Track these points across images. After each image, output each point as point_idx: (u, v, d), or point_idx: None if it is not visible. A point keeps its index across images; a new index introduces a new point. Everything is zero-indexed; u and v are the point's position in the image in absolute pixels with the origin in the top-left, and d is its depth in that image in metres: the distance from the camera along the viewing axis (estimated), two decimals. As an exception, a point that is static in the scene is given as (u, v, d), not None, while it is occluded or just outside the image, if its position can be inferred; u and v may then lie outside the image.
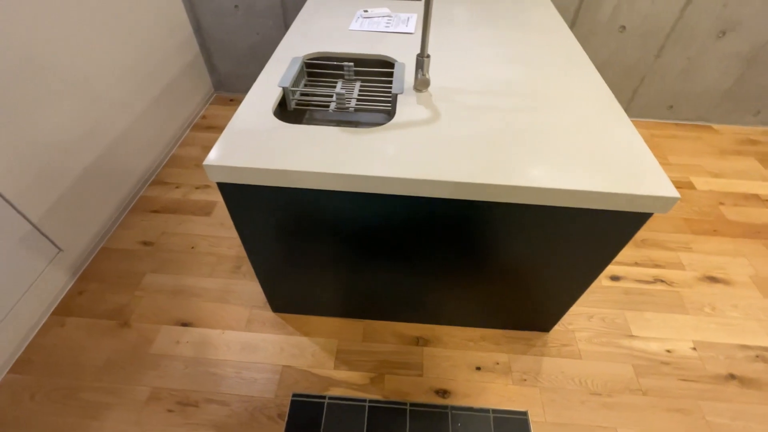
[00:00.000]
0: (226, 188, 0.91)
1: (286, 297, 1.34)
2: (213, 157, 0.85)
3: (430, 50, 1.27)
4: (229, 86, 2.49)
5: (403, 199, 0.89)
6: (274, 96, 1.05)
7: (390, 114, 1.31)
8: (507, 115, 0.99)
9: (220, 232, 1.71)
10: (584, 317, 1.43)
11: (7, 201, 1.25)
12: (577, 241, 0.96)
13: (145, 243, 1.66)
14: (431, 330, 1.40)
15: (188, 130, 2.24)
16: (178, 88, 2.13)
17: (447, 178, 0.81)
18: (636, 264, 1.61)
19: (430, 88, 1.08)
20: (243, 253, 1.64)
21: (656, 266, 1.60)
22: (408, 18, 1.45)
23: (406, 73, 1.15)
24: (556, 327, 1.40)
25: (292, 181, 0.86)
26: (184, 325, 1.41)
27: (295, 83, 1.17)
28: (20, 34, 1.25)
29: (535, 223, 0.91)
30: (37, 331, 1.38)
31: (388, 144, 0.89)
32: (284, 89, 1.09)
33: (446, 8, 1.55)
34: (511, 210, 0.88)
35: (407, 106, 1.02)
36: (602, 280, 1.55)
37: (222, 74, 2.42)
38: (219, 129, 2.26)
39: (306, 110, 1.30)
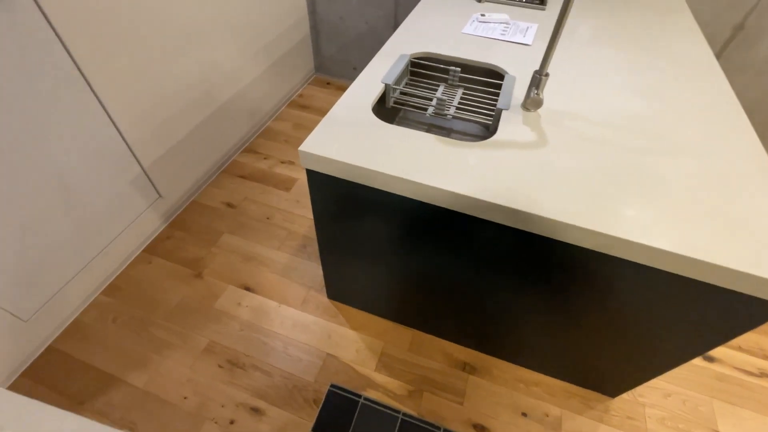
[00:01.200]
0: (313, 175, 0.93)
1: (344, 287, 1.36)
2: (308, 144, 0.87)
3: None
4: (328, 69, 2.57)
5: (487, 224, 0.83)
6: (376, 91, 1.04)
7: (488, 129, 1.24)
8: (625, 154, 0.88)
9: (295, 208, 1.78)
10: (661, 393, 1.25)
11: (128, 146, 1.41)
12: (684, 314, 0.82)
13: (229, 204, 1.79)
14: (482, 359, 1.32)
15: (284, 106, 2.36)
16: (284, 65, 2.24)
17: (541, 213, 0.74)
18: (740, 349, 1.37)
19: (540, 110, 0.99)
20: (312, 233, 1.69)
21: (767, 357, 1.34)
22: (527, 28, 1.35)
23: (515, 88, 1.07)
24: (624, 395, 1.24)
25: (378, 183, 0.84)
26: (247, 289, 1.49)
27: (398, 81, 1.15)
28: (165, 6, 1.38)
29: (634, 281, 0.80)
30: (128, 263, 1.56)
31: (484, 163, 0.84)
32: (386, 86, 1.08)
33: (570, 20, 1.42)
34: (607, 261, 0.78)
35: (511, 125, 0.94)
36: (691, 356, 1.34)
37: (325, 57, 2.51)
38: (312, 109, 2.34)
39: (402, 108, 1.28)
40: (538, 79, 0.92)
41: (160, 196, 1.63)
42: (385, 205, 0.91)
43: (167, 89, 1.50)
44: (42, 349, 1.31)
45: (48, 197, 1.20)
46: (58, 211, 1.24)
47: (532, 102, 0.94)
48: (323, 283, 1.52)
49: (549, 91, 1.07)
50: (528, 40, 1.29)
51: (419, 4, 1.48)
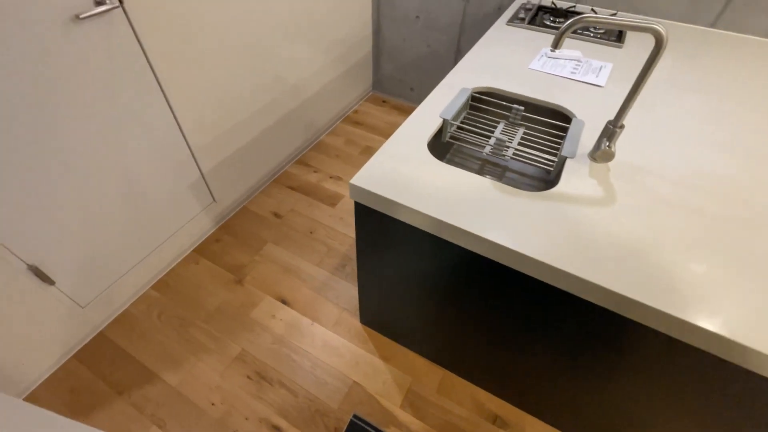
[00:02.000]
0: (361, 207, 0.92)
1: (377, 314, 1.33)
2: (359, 178, 0.86)
3: (613, 114, 1.08)
4: (385, 88, 2.59)
5: (537, 282, 0.77)
6: (434, 126, 1.01)
7: (550, 176, 1.17)
8: (708, 222, 0.78)
9: (339, 226, 1.79)
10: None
11: (191, 152, 1.49)
12: (760, 416, 0.71)
13: (276, 214, 1.84)
14: (515, 413, 1.24)
15: (339, 121, 2.40)
16: (344, 81, 2.29)
17: (601, 282, 0.67)
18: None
19: (609, 162, 0.92)
20: (352, 252, 1.69)
21: None
22: (601, 67, 1.27)
23: (583, 134, 1.00)
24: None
25: (425, 225, 0.81)
26: (283, 302, 1.51)
27: (457, 115, 1.12)
28: (240, 22, 1.46)
29: (701, 370, 0.70)
30: (179, 261, 1.64)
31: (541, 217, 0.78)
32: (444, 120, 1.05)
33: (644, 58, 1.32)
34: (673, 344, 0.69)
35: (575, 176, 0.88)
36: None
37: (383, 75, 2.53)
38: (365, 126, 2.37)
39: (457, 143, 1.25)
40: (611, 131, 0.85)
41: (214, 200, 1.70)
42: (430, 246, 0.88)
43: (233, 101, 1.57)
44: (93, 335, 1.40)
45: (116, 193, 1.29)
46: (124, 206, 1.33)
47: (602, 154, 0.87)
48: (357, 306, 1.50)
49: (620, 139, 0.99)
50: (601, 80, 1.21)
51: (486, 35, 1.45)
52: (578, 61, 1.31)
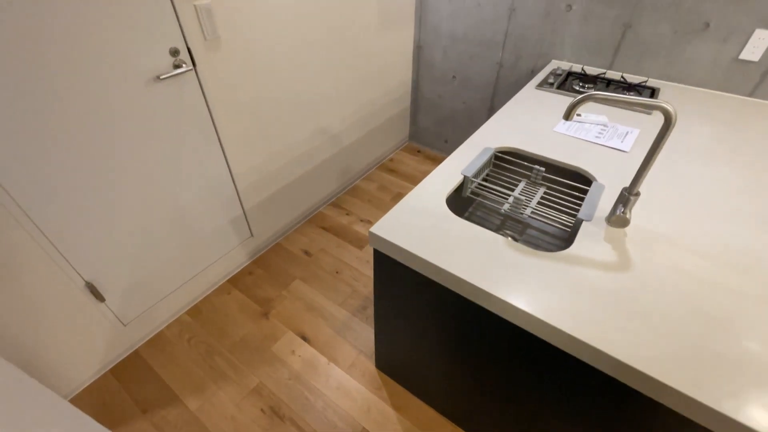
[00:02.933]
0: (379, 255, 0.98)
1: (393, 361, 1.34)
2: (379, 227, 0.93)
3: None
4: (421, 138, 2.73)
5: (547, 345, 0.77)
6: (454, 182, 1.08)
7: (566, 237, 1.18)
8: (733, 301, 0.76)
9: (364, 268, 1.85)
10: None
11: (237, 191, 1.65)
12: None
13: (306, 252, 1.94)
14: (528, 484, 1.16)
15: (374, 168, 2.54)
16: (382, 132, 2.44)
17: (613, 353, 0.67)
18: None
19: (627, 227, 0.93)
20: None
21: None
22: (627, 133, 1.30)
23: (602, 198, 1.02)
24: None
25: (439, 278, 0.85)
26: (304, 338, 1.56)
27: (479, 172, 1.18)
28: (291, 83, 1.66)
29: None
30: (213, 290, 1.76)
31: (553, 277, 0.80)
32: (465, 177, 1.11)
33: (679, 126, 1.33)
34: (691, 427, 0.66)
35: (590, 240, 0.90)
36: None
37: (419, 128, 2.68)
38: (399, 174, 2.48)
39: (477, 198, 1.30)
40: (626, 198, 0.87)
41: (251, 235, 1.84)
42: (443, 298, 0.91)
43: (278, 148, 1.74)
44: (129, 353, 1.51)
45: (169, 222, 1.44)
46: (173, 234, 1.47)
47: (616, 220, 0.89)
48: (374, 350, 1.51)
49: (641, 205, 1.00)
50: (626, 146, 1.23)
51: (515, 97, 1.54)
52: (604, 125, 1.35)
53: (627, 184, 1.07)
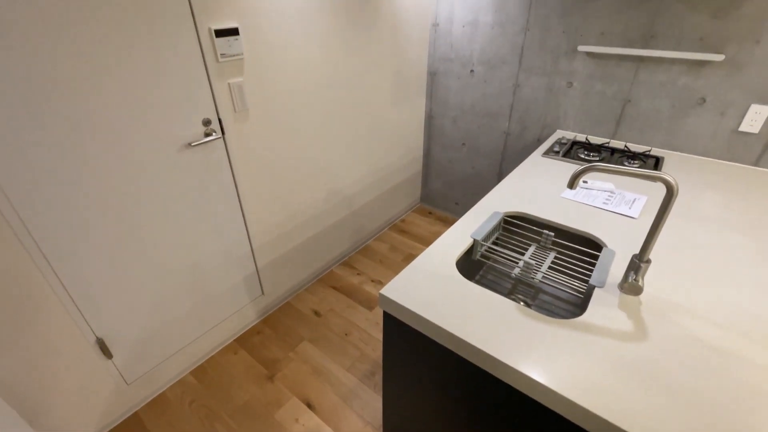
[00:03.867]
0: (389, 318, 0.97)
1: (401, 435, 1.26)
2: (389, 289, 0.93)
3: (654, 248, 1.10)
4: (432, 201, 2.80)
5: (561, 419, 0.73)
6: (464, 245, 1.10)
7: (579, 303, 1.16)
8: (755, 373, 0.72)
9: (374, 330, 1.81)
10: None
11: (252, 249, 1.69)
12: None
13: (316, 312, 1.92)
14: None
15: (386, 228, 2.59)
16: (394, 194, 2.53)
17: (631, 429, 0.63)
18: None
19: (641, 295, 0.91)
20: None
21: None
22: (634, 199, 1.33)
23: (613, 264, 1.02)
24: None
25: (449, 343, 0.84)
26: (309, 406, 1.49)
27: (489, 236, 1.20)
28: (309, 150, 1.78)
29: None
30: (219, 349, 1.73)
31: (567, 347, 0.78)
32: (475, 241, 1.13)
33: (688, 194, 1.35)
34: None
35: (604, 307, 0.88)
36: None
37: (431, 190, 2.76)
38: (411, 235, 2.51)
39: (488, 262, 1.31)
40: (637, 265, 0.87)
41: (262, 293, 1.84)
42: (454, 365, 0.88)
43: (293, 210, 1.82)
44: (129, 414, 1.46)
45: (182, 281, 1.47)
46: (186, 293, 1.49)
47: (629, 288, 0.88)
48: (381, 422, 1.43)
49: (655, 273, 0.99)
50: (634, 212, 1.25)
51: (522, 164, 1.60)
52: (611, 192, 1.38)
53: (637, 250, 1.08)
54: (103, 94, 1.07)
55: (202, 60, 1.26)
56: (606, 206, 1.29)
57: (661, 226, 0.80)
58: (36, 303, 1.11)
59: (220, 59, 1.30)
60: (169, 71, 1.19)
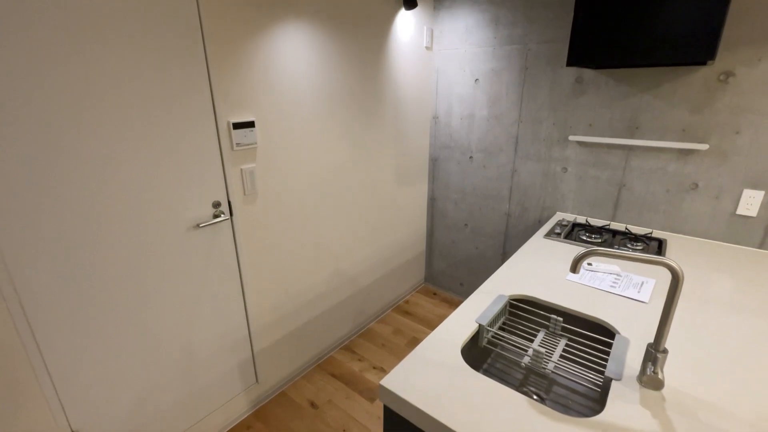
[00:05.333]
0: (391, 413, 0.89)
1: None
2: (389, 380, 0.87)
3: (670, 336, 1.04)
4: (436, 281, 2.76)
5: None
6: (469, 330, 1.05)
7: (596, 396, 1.08)
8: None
9: (375, 426, 1.65)
10: None
11: (249, 333, 1.63)
12: None
13: (312, 404, 1.77)
14: None
15: (390, 310, 2.51)
16: (398, 274, 2.50)
17: None
18: None
19: (664, 389, 0.84)
20: (384, 464, 1.48)
21: None
22: (642, 283, 1.30)
23: (628, 353, 0.96)
24: None
25: (455, 445, 0.75)
26: None
27: (494, 320, 1.16)
28: (314, 231, 1.82)
29: None
30: (204, 447, 1.56)
31: (586, 451, 0.70)
32: (480, 326, 1.09)
33: (696, 278, 1.32)
34: None
35: (624, 403, 0.81)
36: None
37: (435, 270, 2.74)
38: (415, 317, 2.43)
39: (495, 349, 1.24)
40: (653, 355, 0.82)
41: (257, 381, 1.72)
42: (462, 472, 0.78)
43: (295, 290, 1.79)
44: None
45: (173, 366, 1.39)
46: (175, 380, 1.40)
47: (649, 381, 0.82)
48: None
49: (674, 363, 0.92)
50: (643, 296, 1.21)
51: (524, 246, 1.60)
52: (617, 275, 1.35)
53: (651, 337, 1.02)
54: (119, 174, 1.14)
55: (218, 148, 1.35)
56: (614, 289, 1.26)
57: (672, 313, 0.77)
58: (14, 383, 1.04)
59: (235, 147, 1.40)
60: (185, 156, 1.27)
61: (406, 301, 2.61)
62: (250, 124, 1.43)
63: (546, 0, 1.83)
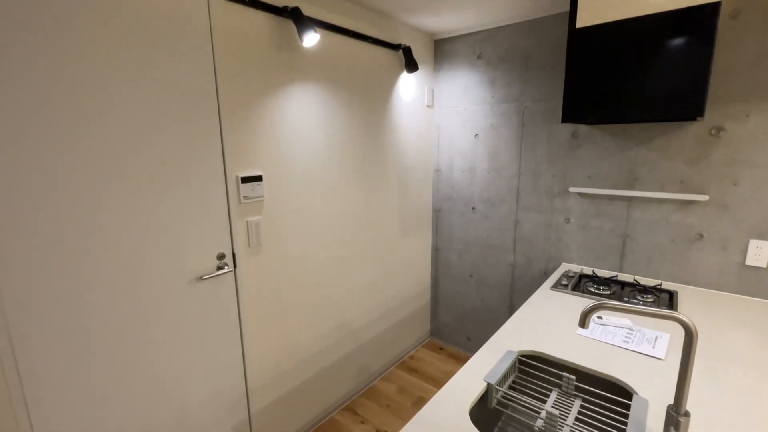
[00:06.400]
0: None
1: None
2: (395, 446, 0.81)
3: (691, 397, 0.99)
4: (442, 335, 2.66)
5: None
6: (478, 389, 1.00)
7: (620, 458, 1.00)
8: None
9: (378, 500, 1.51)
10: None
11: (246, 392, 1.55)
12: None
13: (311, 473, 1.63)
14: None
15: (394, 366, 2.40)
16: (402, 327, 2.43)
17: None
18: None
19: (689, 458, 0.78)
20: None
21: None
22: (656, 337, 1.25)
23: (649, 416, 0.90)
24: None
25: None
26: None
27: (503, 379, 1.10)
28: (317, 284, 1.80)
29: None
30: None
31: None
32: (489, 385, 1.03)
33: (713, 332, 1.27)
34: None
35: (649, 474, 0.74)
36: None
37: (440, 323, 2.66)
38: (421, 374, 2.31)
39: (506, 411, 1.17)
40: (675, 419, 0.76)
41: (252, 446, 1.61)
42: None
43: (296, 345, 1.73)
44: None
45: (162, 429, 1.31)
46: (164, 447, 1.31)
47: (673, 448, 0.76)
48: None
49: (699, 427, 0.86)
50: (659, 352, 1.16)
51: (531, 299, 1.57)
52: (630, 329, 1.31)
53: (671, 397, 0.96)
54: (128, 226, 1.16)
55: (225, 201, 1.39)
56: (627, 345, 1.21)
57: (690, 372, 0.74)
58: (-4, 457, 0.98)
59: (243, 201, 1.44)
60: (195, 210, 1.30)
61: (412, 357, 2.50)
62: (258, 178, 1.48)
63: (539, 62, 1.96)
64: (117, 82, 1.09)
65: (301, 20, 1.45)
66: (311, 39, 1.47)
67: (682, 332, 1.28)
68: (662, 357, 1.14)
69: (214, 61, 1.30)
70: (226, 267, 1.41)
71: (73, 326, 1.08)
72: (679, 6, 1.28)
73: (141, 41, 1.13)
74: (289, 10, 1.46)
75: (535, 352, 1.19)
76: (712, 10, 1.24)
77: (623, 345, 1.21)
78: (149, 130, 1.17)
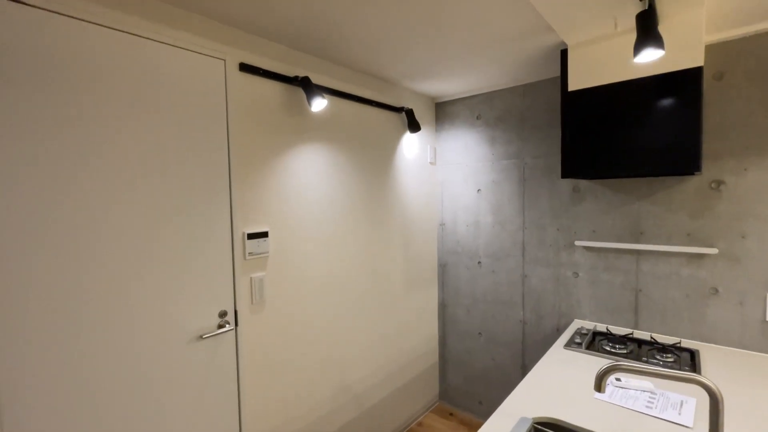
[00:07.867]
0: None
1: None
2: None
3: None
4: (452, 399, 2.50)
5: None
6: (491, 464, 0.92)
7: None
8: None
9: None
10: None
11: (241, 463, 1.44)
12: None
13: None
14: None
15: (402, 434, 2.23)
16: (409, 389, 2.29)
17: None
18: None
19: None
20: None
21: None
22: (682, 402, 1.16)
23: (683, 496, 0.81)
24: None
25: None
26: None
27: (519, 450, 1.01)
28: (318, 344, 1.75)
29: None
30: None
31: None
32: (504, 458, 0.95)
33: (744, 396, 1.18)
34: None
35: None
36: None
37: (450, 386, 2.50)
38: (430, 443, 2.14)
39: (527, 484, 1.06)
40: (712, 500, 0.69)
41: None
42: None
43: (297, 411, 1.63)
44: None
45: None
46: None
47: None
48: None
49: None
50: (686, 420, 1.07)
51: (544, 358, 1.49)
52: (652, 392, 1.22)
53: (708, 475, 0.87)
54: (129, 283, 1.16)
55: (231, 257, 1.40)
56: (650, 411, 1.12)
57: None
58: None
59: (248, 257, 1.44)
60: (200, 267, 1.31)
61: (420, 423, 2.33)
62: (264, 234, 1.50)
63: (536, 122, 2.05)
64: (129, 145, 1.16)
65: (309, 88, 1.56)
66: (319, 104, 1.57)
67: (707, 395, 1.19)
68: (690, 425, 1.05)
69: (227, 124, 1.38)
70: (227, 325, 1.38)
71: (66, 390, 1.04)
72: (663, 71, 1.36)
73: (159, 106, 1.21)
74: (299, 79, 1.58)
75: (550, 418, 1.11)
76: (696, 74, 1.31)
77: (646, 411, 1.12)
78: (161, 187, 1.22)
